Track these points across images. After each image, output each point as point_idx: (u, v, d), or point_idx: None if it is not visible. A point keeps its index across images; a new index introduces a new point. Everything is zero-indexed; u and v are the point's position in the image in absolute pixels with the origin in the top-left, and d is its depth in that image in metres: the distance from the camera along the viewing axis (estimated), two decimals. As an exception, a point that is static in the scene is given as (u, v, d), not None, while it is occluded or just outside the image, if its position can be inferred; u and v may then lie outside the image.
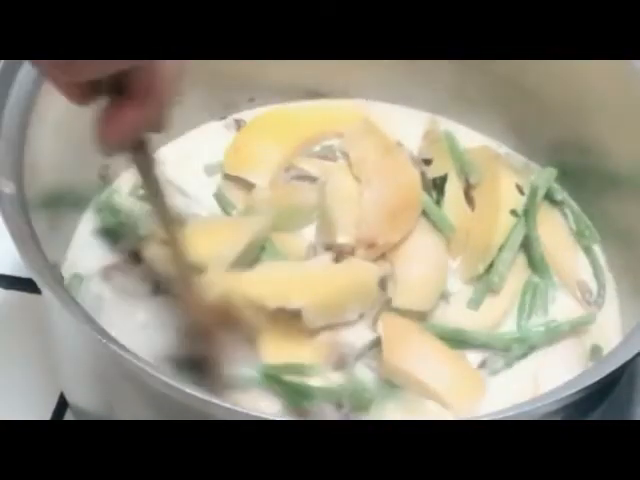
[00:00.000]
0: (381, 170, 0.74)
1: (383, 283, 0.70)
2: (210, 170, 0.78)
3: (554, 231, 0.76)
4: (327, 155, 0.77)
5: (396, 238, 0.71)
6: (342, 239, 0.71)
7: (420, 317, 0.70)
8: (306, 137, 0.78)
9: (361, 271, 0.70)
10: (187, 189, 0.76)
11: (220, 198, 0.76)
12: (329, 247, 0.71)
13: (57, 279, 0.58)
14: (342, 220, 0.71)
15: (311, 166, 0.76)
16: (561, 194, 0.77)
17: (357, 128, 0.77)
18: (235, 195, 0.76)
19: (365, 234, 0.71)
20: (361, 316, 0.69)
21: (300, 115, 0.80)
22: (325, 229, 0.72)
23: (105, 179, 0.76)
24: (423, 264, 0.71)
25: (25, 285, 0.76)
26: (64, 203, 0.70)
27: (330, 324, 0.68)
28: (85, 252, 0.73)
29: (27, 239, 0.58)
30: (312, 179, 0.76)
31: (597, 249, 0.76)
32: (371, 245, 0.70)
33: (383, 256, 0.71)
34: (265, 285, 0.67)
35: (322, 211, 0.73)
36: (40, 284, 0.57)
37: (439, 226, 0.73)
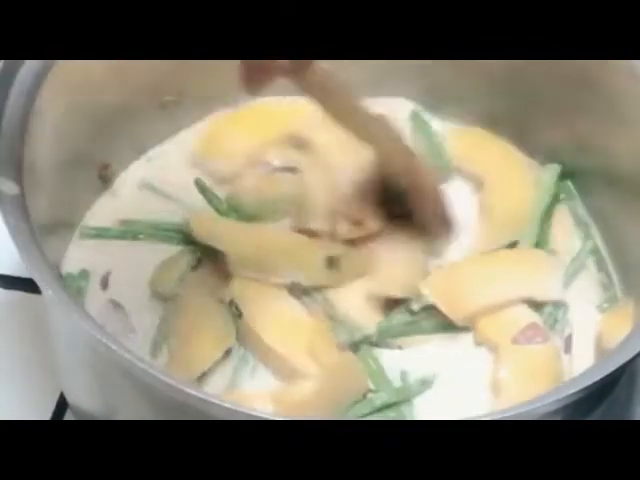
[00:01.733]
0: (350, 159, 0.74)
1: (334, 263, 0.69)
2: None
3: (558, 227, 0.76)
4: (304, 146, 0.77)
5: (378, 226, 0.72)
6: (314, 224, 0.71)
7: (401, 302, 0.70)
8: (279, 131, 0.77)
9: (301, 239, 0.71)
10: (171, 182, 0.77)
11: (201, 185, 0.76)
12: (303, 232, 0.72)
13: (57, 279, 0.58)
14: (315, 206, 0.72)
15: (290, 157, 0.76)
16: (563, 192, 0.78)
17: (316, 118, 0.76)
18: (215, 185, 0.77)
19: (350, 210, 0.71)
20: (295, 285, 0.69)
21: (275, 109, 0.79)
22: (300, 216, 0.73)
23: (105, 179, 0.76)
24: (404, 251, 0.72)
25: (25, 285, 0.76)
26: (64, 203, 0.70)
27: (258, 277, 0.69)
28: (85, 252, 0.73)
29: (27, 239, 0.58)
30: (294, 170, 0.76)
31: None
32: (358, 223, 0.71)
33: (364, 242, 0.71)
34: (215, 226, 0.71)
35: (297, 199, 0.74)
36: (40, 284, 0.57)
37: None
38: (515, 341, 0.68)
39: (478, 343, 0.69)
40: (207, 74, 0.76)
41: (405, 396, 0.67)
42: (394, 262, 0.71)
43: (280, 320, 0.68)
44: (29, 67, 0.63)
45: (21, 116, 0.63)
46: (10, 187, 0.60)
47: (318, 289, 0.70)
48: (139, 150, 0.77)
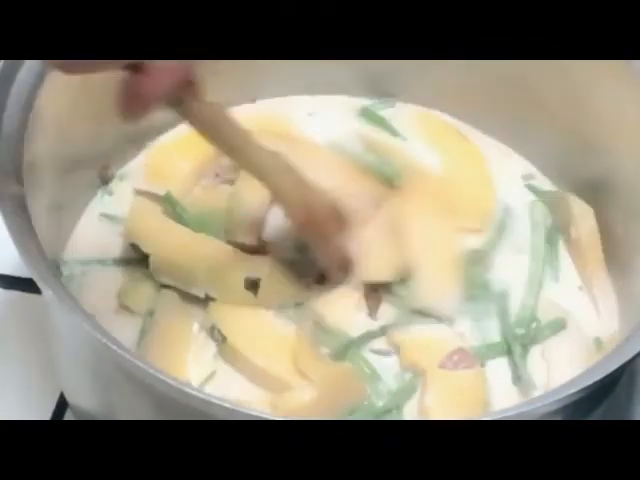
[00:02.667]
0: None
1: (252, 285, 0.69)
2: None
3: None
4: None
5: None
6: (243, 238, 0.71)
7: (386, 288, 0.70)
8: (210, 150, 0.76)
9: (227, 255, 0.70)
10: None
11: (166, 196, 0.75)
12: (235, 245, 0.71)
13: (57, 279, 0.58)
14: (243, 220, 0.71)
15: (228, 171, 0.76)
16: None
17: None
18: None
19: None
20: (209, 298, 0.68)
21: None
22: (231, 229, 0.72)
23: (105, 179, 0.76)
24: (384, 239, 0.71)
25: (25, 285, 0.76)
26: (64, 203, 0.70)
27: (176, 285, 0.68)
28: (85, 251, 0.73)
29: (27, 239, 0.58)
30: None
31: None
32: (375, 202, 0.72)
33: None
34: (145, 225, 0.71)
35: (228, 213, 0.73)
36: (40, 284, 0.57)
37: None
38: (441, 366, 0.67)
39: (404, 368, 0.68)
40: (207, 74, 0.76)
41: (403, 397, 0.66)
42: (374, 249, 0.71)
43: (265, 340, 0.67)
44: (29, 67, 0.64)
45: (21, 116, 0.63)
46: (10, 187, 0.60)
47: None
48: (139, 150, 0.77)
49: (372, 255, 0.70)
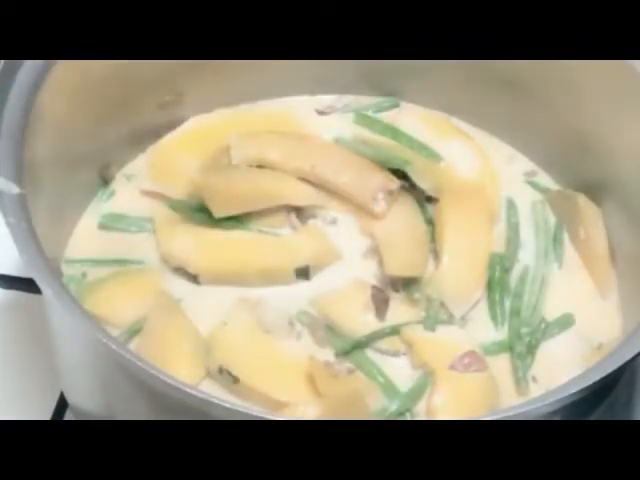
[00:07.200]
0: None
1: (305, 273, 0.71)
2: None
3: None
4: None
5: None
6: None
7: (409, 282, 0.70)
8: (223, 145, 0.76)
9: (268, 251, 0.71)
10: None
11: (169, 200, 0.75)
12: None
13: (57, 279, 0.58)
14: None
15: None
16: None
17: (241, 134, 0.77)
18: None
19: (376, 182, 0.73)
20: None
21: (216, 124, 0.79)
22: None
23: (105, 179, 0.76)
24: (406, 233, 0.72)
25: (25, 285, 0.76)
26: (64, 203, 0.70)
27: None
28: (85, 251, 0.73)
29: (27, 239, 0.58)
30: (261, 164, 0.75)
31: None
32: (390, 192, 0.72)
33: (367, 227, 0.73)
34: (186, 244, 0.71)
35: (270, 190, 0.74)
36: (40, 284, 0.57)
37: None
38: (452, 368, 0.67)
39: (415, 366, 0.68)
40: (207, 74, 0.76)
41: (413, 400, 0.66)
42: (399, 243, 0.71)
43: (279, 371, 0.66)
44: (29, 67, 0.64)
45: (21, 116, 0.63)
46: (10, 187, 0.60)
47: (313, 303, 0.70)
48: (139, 150, 0.77)
49: (399, 250, 0.71)
